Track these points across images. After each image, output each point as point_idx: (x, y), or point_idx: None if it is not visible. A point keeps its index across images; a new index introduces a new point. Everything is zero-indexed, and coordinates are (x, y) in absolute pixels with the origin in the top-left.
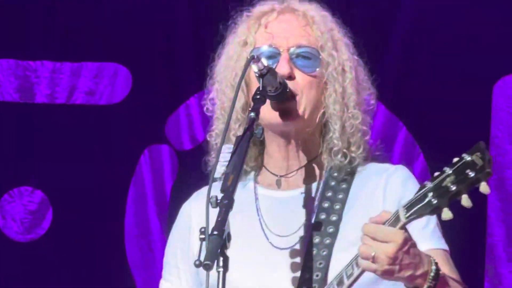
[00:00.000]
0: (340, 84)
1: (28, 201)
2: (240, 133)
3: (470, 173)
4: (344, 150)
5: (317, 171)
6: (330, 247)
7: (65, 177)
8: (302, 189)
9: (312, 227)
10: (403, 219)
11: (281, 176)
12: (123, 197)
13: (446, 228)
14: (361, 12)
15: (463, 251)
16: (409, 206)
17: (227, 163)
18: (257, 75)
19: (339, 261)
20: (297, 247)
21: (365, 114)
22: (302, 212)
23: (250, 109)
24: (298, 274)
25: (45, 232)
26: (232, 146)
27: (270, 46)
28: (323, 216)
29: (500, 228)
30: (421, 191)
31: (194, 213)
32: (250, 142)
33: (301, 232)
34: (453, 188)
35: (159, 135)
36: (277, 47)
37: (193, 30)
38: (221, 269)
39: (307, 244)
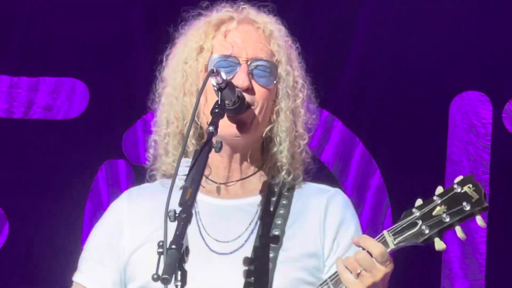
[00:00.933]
0: (292, 101)
1: None
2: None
3: (466, 206)
4: (289, 167)
5: (258, 185)
6: (273, 261)
7: (21, 191)
8: (242, 200)
9: (255, 239)
10: (391, 245)
11: (221, 183)
12: (80, 212)
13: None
14: (318, 29)
15: (419, 267)
16: (396, 232)
17: (185, 176)
18: (215, 89)
19: (283, 275)
20: (237, 254)
21: (309, 135)
22: (243, 222)
23: (208, 123)
24: (237, 280)
25: (1, 246)
26: (190, 160)
27: (229, 56)
28: (265, 230)
29: (456, 244)
30: (409, 218)
31: (128, 213)
32: (208, 156)
33: (241, 241)
34: (447, 219)
35: (116, 150)
36: (236, 57)
37: (149, 45)
38: (179, 283)
39: (249, 256)
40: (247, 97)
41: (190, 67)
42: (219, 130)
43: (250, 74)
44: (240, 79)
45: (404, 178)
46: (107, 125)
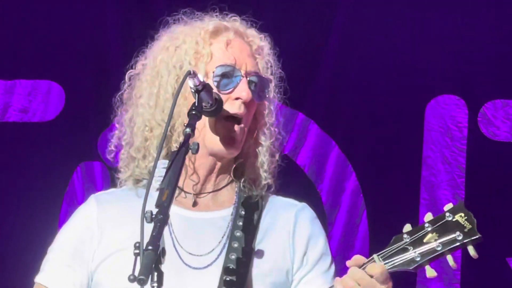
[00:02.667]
0: (273, 117)
1: None
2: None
3: (459, 235)
4: (263, 182)
5: (228, 197)
6: (245, 276)
7: None
8: (213, 212)
9: (226, 253)
10: None
11: (193, 194)
12: (55, 214)
13: (380, 246)
14: (294, 32)
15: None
16: (386, 257)
17: (162, 178)
18: (192, 90)
19: None
20: (209, 269)
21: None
22: (215, 235)
23: (185, 124)
24: None
25: None
26: (167, 161)
27: (234, 67)
28: (235, 245)
29: None
30: (400, 243)
31: (97, 219)
32: (185, 157)
33: (214, 255)
34: (439, 248)
35: (91, 152)
36: (239, 69)
37: (124, 47)
38: (155, 284)
39: (221, 270)
40: (241, 109)
41: (184, 71)
42: (211, 146)
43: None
44: (244, 91)
45: (379, 181)
46: (83, 127)
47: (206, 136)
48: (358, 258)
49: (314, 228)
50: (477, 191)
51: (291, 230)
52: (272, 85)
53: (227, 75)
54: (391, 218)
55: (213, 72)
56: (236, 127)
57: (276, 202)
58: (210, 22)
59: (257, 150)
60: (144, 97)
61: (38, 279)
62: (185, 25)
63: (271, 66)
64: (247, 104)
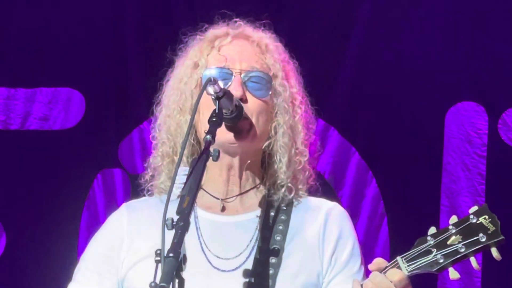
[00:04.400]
0: (290, 117)
1: None
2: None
3: (482, 237)
4: (289, 185)
5: (256, 200)
6: (273, 277)
7: (18, 202)
8: (242, 215)
9: (255, 255)
10: (405, 272)
11: (221, 199)
12: (76, 221)
13: (401, 253)
14: (314, 37)
15: (415, 275)
16: (410, 259)
17: (182, 185)
18: (213, 97)
19: None
20: (238, 271)
21: (312, 157)
22: (243, 238)
23: (205, 131)
24: None
25: None
26: (188, 168)
27: (223, 68)
28: (265, 246)
29: None
30: (423, 246)
31: (128, 226)
32: (206, 164)
33: (243, 258)
34: (463, 250)
35: (112, 159)
36: (229, 69)
37: (145, 55)
38: None
39: (249, 272)
40: (244, 107)
41: (185, 84)
42: (216, 138)
43: (244, 85)
44: (234, 89)
45: (400, 188)
46: (103, 134)
47: (219, 135)
48: (380, 262)
49: (344, 228)
50: (498, 198)
51: (321, 229)
52: (277, 81)
53: (219, 76)
54: (411, 224)
55: (201, 79)
56: (244, 120)
57: (306, 202)
58: (211, 31)
59: (277, 152)
60: (159, 117)
61: (70, 287)
62: (193, 39)
63: (281, 62)
64: (248, 101)
